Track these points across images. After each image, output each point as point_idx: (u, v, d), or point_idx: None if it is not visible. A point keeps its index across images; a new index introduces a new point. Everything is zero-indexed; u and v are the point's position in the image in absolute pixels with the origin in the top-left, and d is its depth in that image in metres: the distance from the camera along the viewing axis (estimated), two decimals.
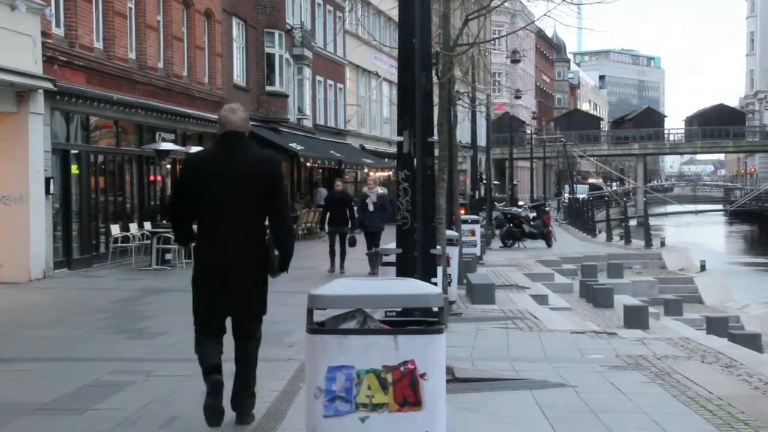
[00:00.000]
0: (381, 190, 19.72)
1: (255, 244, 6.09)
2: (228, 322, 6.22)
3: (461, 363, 8.57)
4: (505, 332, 11.33)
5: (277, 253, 6.18)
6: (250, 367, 6.20)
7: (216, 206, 6.04)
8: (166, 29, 25.16)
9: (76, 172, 20.19)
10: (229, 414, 6.18)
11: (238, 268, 6.01)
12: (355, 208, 19.52)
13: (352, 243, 18.45)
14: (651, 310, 14.93)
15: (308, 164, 35.82)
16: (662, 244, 33.71)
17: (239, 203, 6.02)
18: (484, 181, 42.07)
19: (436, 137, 9.22)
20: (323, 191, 30.56)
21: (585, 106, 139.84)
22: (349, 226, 18.69)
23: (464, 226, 19.80)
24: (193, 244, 6.40)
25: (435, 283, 7.74)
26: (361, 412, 3.58)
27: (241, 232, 6.03)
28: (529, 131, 72.85)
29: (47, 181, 18.30)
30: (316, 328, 3.68)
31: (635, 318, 13.03)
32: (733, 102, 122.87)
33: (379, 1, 40.98)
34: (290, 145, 32.60)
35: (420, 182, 8.09)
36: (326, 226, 19.58)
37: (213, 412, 5.99)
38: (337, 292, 3.80)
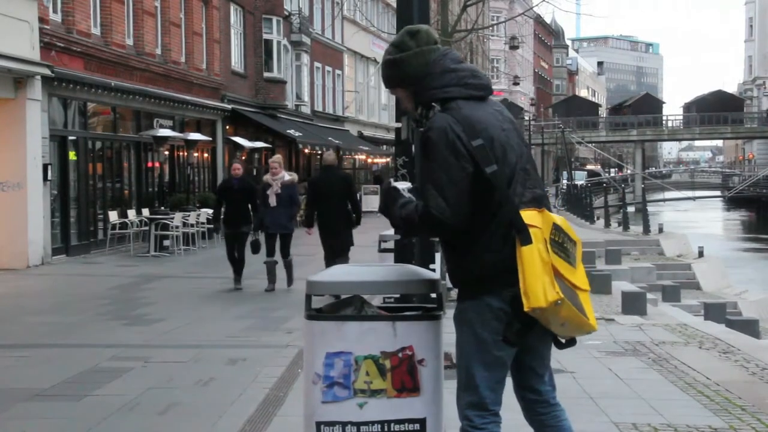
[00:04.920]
0: (289, 176, 14.03)
1: (345, 216, 12.47)
2: None
3: None
4: None
5: (354, 215, 12.62)
6: (342, 262, 11.60)
7: (325, 201, 12.42)
8: (164, 15, 25.10)
9: (74, 158, 20.18)
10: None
11: (338, 228, 12.32)
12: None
13: (255, 249, 13.72)
14: (649, 296, 14.91)
15: (306, 150, 35.76)
16: (660, 230, 33.65)
17: (335, 198, 12.38)
18: None
19: None
20: None
21: (583, 93, 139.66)
22: (251, 225, 14.08)
23: None
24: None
25: (433, 270, 7.74)
26: (360, 397, 3.57)
27: (338, 212, 12.39)
28: (527, 118, 72.78)
29: (45, 167, 18.29)
30: (315, 315, 3.68)
31: (633, 304, 13.02)
32: (732, 88, 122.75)
33: None
34: (288, 131, 32.56)
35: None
36: (221, 225, 14.53)
37: None
38: (336, 278, 3.80)
